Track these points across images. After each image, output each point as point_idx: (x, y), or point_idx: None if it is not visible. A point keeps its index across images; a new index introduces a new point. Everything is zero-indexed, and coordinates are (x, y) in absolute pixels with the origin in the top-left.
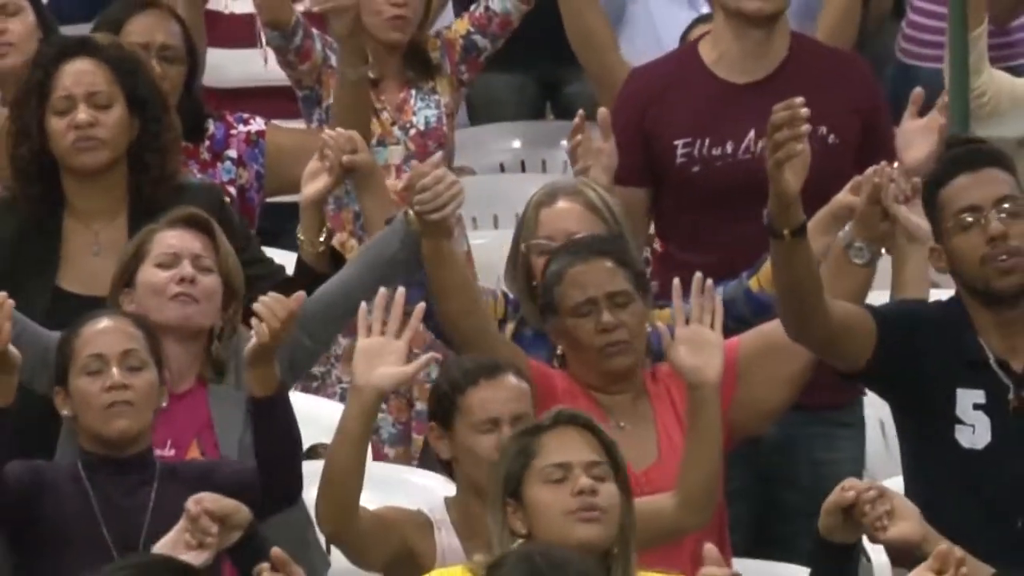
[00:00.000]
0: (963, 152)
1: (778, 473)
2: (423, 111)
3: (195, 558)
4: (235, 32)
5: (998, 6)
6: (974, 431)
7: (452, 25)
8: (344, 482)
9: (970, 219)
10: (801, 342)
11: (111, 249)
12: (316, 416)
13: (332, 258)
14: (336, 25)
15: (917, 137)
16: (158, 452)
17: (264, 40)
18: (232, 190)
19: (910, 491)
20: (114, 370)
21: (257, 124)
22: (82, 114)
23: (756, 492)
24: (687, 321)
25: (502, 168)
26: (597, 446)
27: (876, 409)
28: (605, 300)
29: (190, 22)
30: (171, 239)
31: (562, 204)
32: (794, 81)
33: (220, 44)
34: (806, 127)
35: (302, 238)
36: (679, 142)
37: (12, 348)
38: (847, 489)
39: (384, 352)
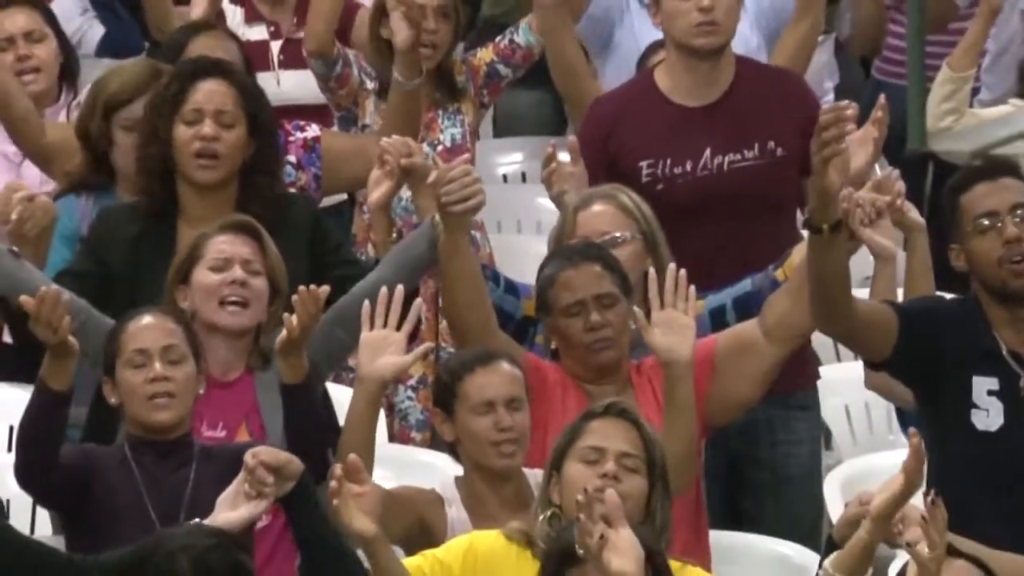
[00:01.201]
0: (982, 165)
1: (744, 454)
2: (449, 129)
3: (254, 507)
4: (251, 57)
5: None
6: (988, 415)
7: (478, 52)
8: (356, 451)
9: (988, 223)
10: (826, 331)
11: None
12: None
13: None
14: (400, 37)
15: (856, 148)
16: (210, 434)
17: (278, 63)
18: (293, 190)
19: (931, 468)
20: (156, 364)
21: (312, 131)
22: (207, 128)
23: (725, 473)
24: (662, 306)
25: (504, 179)
26: (637, 441)
27: (841, 397)
28: (593, 302)
29: None
30: (223, 244)
31: (597, 207)
32: (742, 102)
33: None
34: (851, 127)
35: (375, 240)
36: (643, 163)
37: (71, 338)
38: (859, 502)
39: (385, 344)
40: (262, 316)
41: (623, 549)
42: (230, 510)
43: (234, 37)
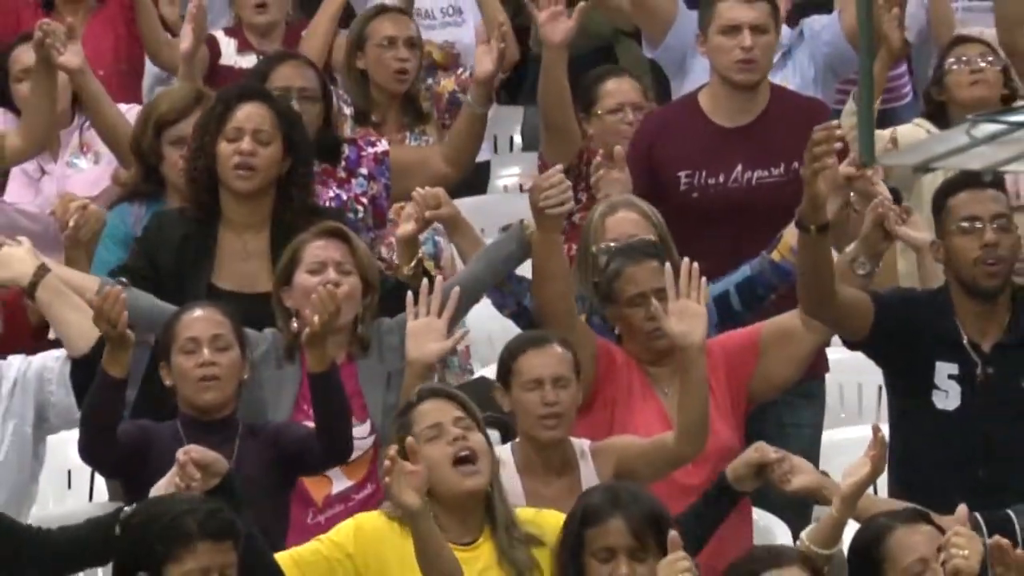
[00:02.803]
0: (974, 174)
1: (754, 435)
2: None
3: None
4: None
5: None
6: (947, 396)
7: (441, 82)
8: None
9: (969, 226)
10: (814, 315)
11: (256, 255)
12: None
13: (425, 275)
14: (482, 69)
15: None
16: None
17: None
18: (364, 200)
19: (894, 442)
20: (205, 350)
21: (383, 145)
22: (245, 144)
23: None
24: (677, 296)
25: (505, 189)
26: (457, 407)
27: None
28: (653, 294)
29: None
30: (318, 249)
31: (622, 214)
32: (772, 126)
33: None
34: (838, 145)
35: (399, 264)
36: (682, 173)
37: (128, 331)
38: (757, 451)
39: (429, 331)
40: (357, 309)
41: (806, 467)
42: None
43: (312, 64)
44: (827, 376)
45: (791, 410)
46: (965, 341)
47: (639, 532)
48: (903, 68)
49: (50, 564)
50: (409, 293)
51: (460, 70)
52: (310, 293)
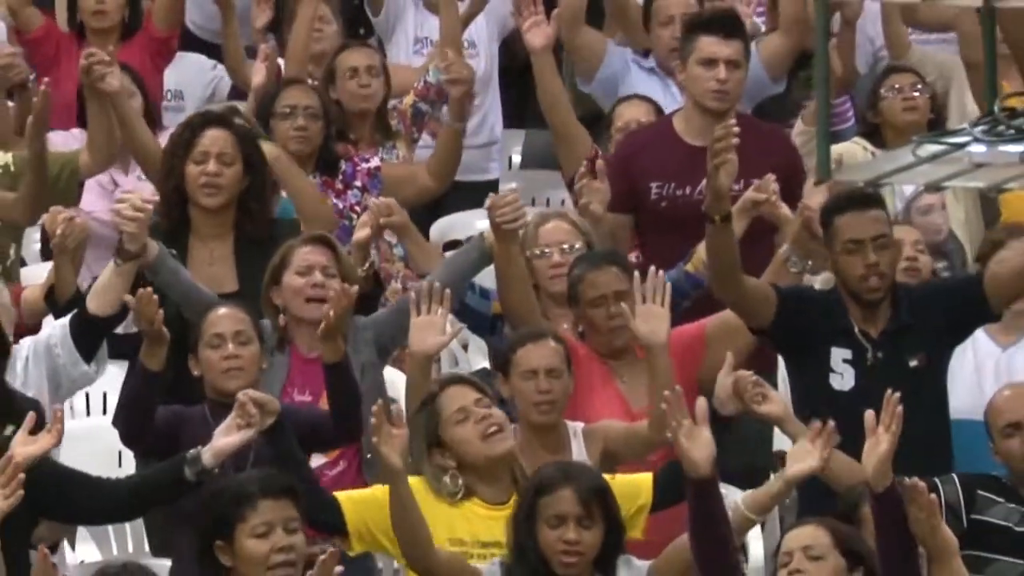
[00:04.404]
0: (858, 192)
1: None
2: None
3: (243, 435)
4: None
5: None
6: (843, 377)
7: (403, 100)
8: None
9: (854, 247)
10: (722, 296)
11: (221, 260)
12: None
13: (375, 280)
14: (454, 91)
15: (817, 191)
16: (300, 398)
17: None
18: (358, 209)
19: (798, 419)
20: (229, 344)
21: (375, 161)
22: (212, 166)
23: None
24: (643, 300)
25: (532, 202)
26: (475, 390)
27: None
28: (613, 296)
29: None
30: (306, 254)
31: (553, 223)
32: (736, 147)
33: None
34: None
35: (352, 265)
36: (653, 184)
37: (164, 328)
38: (730, 375)
39: (430, 325)
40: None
41: (778, 398)
42: (226, 436)
43: (315, 89)
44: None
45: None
46: (856, 330)
47: (586, 501)
48: (846, 95)
49: (110, 506)
50: (412, 293)
51: (416, 82)
52: (297, 293)
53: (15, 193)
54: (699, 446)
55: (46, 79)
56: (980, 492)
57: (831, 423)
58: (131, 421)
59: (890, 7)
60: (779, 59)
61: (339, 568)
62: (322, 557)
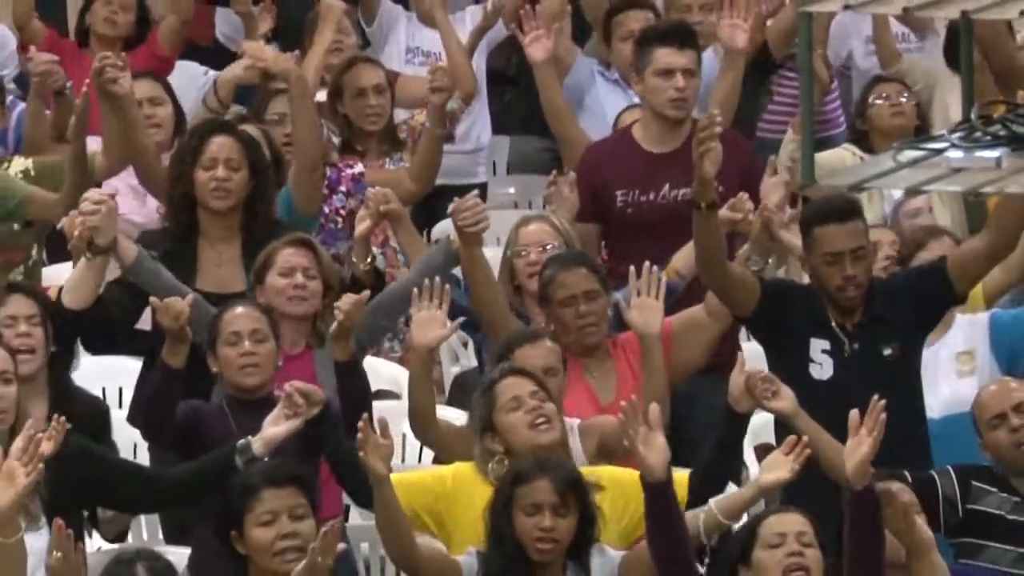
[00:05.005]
0: (837, 204)
1: (686, 415)
2: None
3: (291, 424)
4: None
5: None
6: (821, 367)
7: (415, 116)
8: (421, 401)
9: (833, 259)
10: (709, 283)
11: (229, 262)
12: (377, 370)
13: (375, 275)
14: (435, 99)
15: (773, 188)
16: (277, 392)
17: None
18: (343, 212)
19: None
20: (246, 342)
21: (359, 168)
22: (220, 171)
23: (671, 428)
24: (639, 294)
25: (515, 205)
26: (532, 382)
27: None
28: (582, 296)
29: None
30: (288, 256)
31: (534, 226)
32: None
33: None
34: (719, 129)
35: (355, 261)
36: (619, 192)
37: (187, 327)
38: (742, 373)
39: (431, 320)
40: (318, 307)
41: (788, 394)
42: (275, 426)
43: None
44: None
45: (711, 393)
46: (833, 323)
47: (562, 491)
48: (838, 103)
49: (160, 496)
50: (415, 290)
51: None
52: (279, 292)
53: (56, 194)
54: (655, 451)
55: (87, 82)
56: (975, 483)
57: (805, 438)
58: (152, 417)
59: (880, 19)
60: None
61: (342, 544)
62: (324, 530)
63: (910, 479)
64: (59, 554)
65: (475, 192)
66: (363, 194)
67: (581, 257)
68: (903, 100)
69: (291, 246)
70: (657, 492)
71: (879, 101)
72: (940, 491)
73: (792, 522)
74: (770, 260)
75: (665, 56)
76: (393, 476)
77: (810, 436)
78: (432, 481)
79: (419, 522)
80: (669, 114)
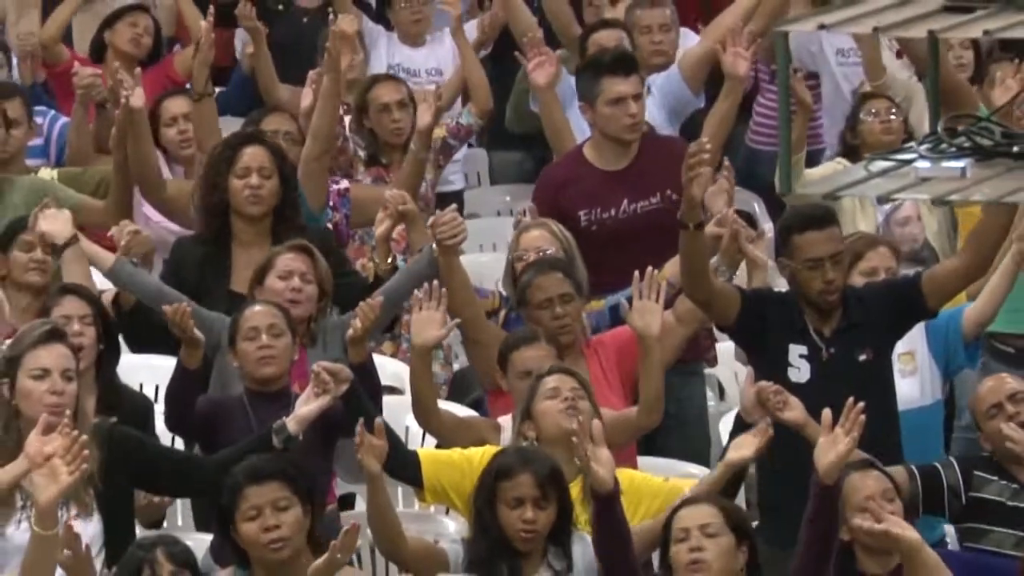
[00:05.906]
0: (816, 212)
1: None
2: None
3: (321, 402)
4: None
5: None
6: (800, 371)
7: (434, 131)
8: (423, 393)
9: (813, 265)
10: (693, 296)
11: None
12: (382, 365)
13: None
14: (421, 122)
15: (716, 196)
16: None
17: None
18: (329, 226)
19: None
20: (264, 336)
21: (344, 184)
22: (254, 179)
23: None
24: (640, 297)
25: (498, 213)
26: (577, 383)
27: (728, 366)
28: (557, 299)
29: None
30: (288, 260)
31: (535, 232)
32: (646, 165)
33: None
34: (708, 156)
35: (377, 261)
36: (581, 212)
37: (198, 332)
38: (753, 386)
39: (430, 320)
40: (312, 310)
41: (797, 405)
42: (306, 405)
43: (294, 116)
44: (719, 367)
45: (682, 385)
46: (811, 329)
47: (543, 485)
48: (821, 120)
49: (202, 480)
50: (416, 292)
51: (449, 120)
52: (278, 294)
53: (103, 201)
54: (603, 464)
55: (126, 93)
56: (976, 472)
57: (770, 430)
58: (173, 410)
59: (867, 36)
60: (699, 67)
61: (361, 542)
62: (345, 528)
63: (916, 470)
64: (68, 552)
65: (453, 206)
66: (347, 209)
67: (557, 263)
68: (892, 117)
69: (291, 251)
70: (608, 502)
71: (869, 118)
72: (944, 481)
73: (696, 515)
74: (736, 272)
75: (614, 86)
76: (425, 451)
77: (814, 440)
78: (461, 460)
79: (445, 497)
80: (626, 138)
